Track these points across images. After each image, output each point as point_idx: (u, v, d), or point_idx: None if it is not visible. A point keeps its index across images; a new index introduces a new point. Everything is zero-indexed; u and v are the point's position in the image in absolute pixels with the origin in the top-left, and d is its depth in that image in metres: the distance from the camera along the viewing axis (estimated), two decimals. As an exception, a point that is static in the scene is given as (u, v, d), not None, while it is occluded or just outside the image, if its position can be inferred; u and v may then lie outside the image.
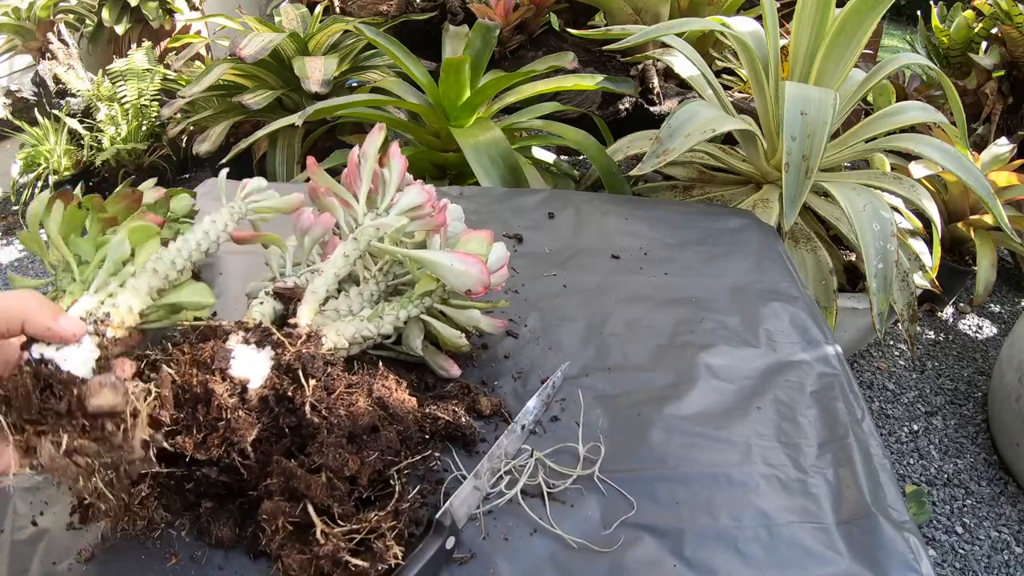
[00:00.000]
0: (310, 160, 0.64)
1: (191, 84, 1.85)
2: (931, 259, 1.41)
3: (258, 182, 0.63)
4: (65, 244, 0.52)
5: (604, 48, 1.51)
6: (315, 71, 1.72)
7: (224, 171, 0.64)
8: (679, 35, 1.31)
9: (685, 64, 1.36)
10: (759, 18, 1.30)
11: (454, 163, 1.51)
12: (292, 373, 0.48)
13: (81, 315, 0.45)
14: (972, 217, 1.83)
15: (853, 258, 1.50)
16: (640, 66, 1.88)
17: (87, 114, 2.39)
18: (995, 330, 1.94)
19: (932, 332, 1.92)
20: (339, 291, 0.60)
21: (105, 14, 2.59)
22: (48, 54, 2.62)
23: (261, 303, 0.56)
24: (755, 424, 0.60)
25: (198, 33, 2.73)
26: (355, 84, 1.99)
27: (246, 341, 0.49)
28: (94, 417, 0.39)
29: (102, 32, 2.71)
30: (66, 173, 2.30)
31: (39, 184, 2.26)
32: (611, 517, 0.51)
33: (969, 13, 2.32)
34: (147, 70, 2.32)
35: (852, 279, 1.49)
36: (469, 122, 1.45)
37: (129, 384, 0.41)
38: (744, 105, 1.66)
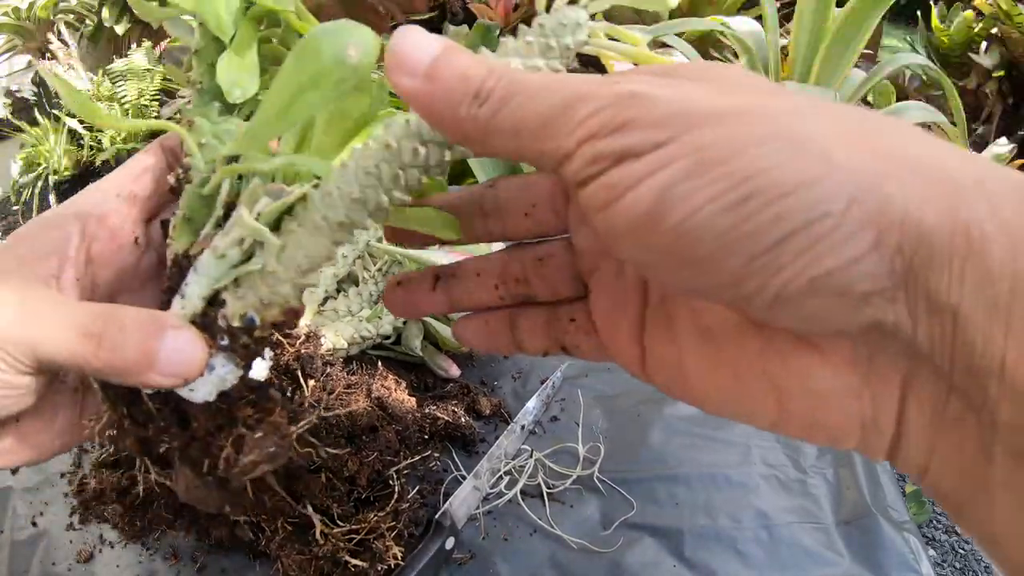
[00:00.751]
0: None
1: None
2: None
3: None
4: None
5: (604, 48, 1.50)
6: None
7: None
8: (679, 35, 1.31)
9: (685, 64, 1.36)
10: (759, 18, 1.30)
11: (454, 163, 1.51)
12: (291, 373, 0.48)
13: (199, 316, 0.27)
14: (972, 217, 1.82)
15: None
16: (640, 66, 1.88)
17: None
18: (995, 330, 1.94)
19: (932, 332, 1.92)
20: (338, 291, 0.60)
21: (105, 14, 2.59)
22: (48, 54, 2.62)
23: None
24: (755, 424, 0.60)
25: (198, 33, 2.73)
26: (355, 84, 1.99)
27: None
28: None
29: (102, 32, 2.71)
30: (66, 173, 2.30)
31: (39, 184, 2.26)
32: (611, 517, 0.51)
33: (969, 13, 2.32)
34: (147, 70, 2.32)
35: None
36: (469, 122, 1.45)
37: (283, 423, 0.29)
38: (744, 105, 1.66)
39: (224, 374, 0.27)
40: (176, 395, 0.27)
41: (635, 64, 0.26)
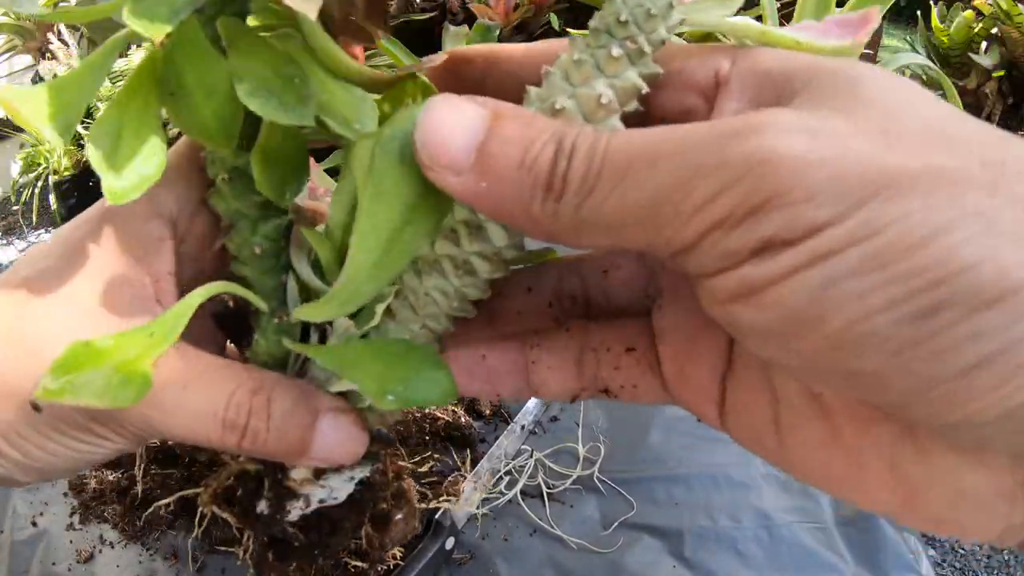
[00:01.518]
0: (310, 160, 0.64)
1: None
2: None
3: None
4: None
5: (604, 48, 1.50)
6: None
7: None
8: (679, 35, 1.30)
9: (685, 64, 1.36)
10: (759, 18, 1.30)
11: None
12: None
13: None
14: (972, 217, 1.83)
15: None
16: (640, 66, 1.88)
17: (87, 114, 2.40)
18: (995, 330, 1.94)
19: (932, 332, 1.92)
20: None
21: (105, 14, 2.59)
22: (48, 54, 2.62)
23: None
24: (755, 424, 0.60)
25: (198, 33, 2.73)
26: (355, 84, 1.99)
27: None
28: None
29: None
30: (66, 173, 2.30)
31: (39, 184, 2.26)
32: (610, 517, 0.51)
33: (969, 13, 2.32)
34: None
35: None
36: (469, 122, 1.45)
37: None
38: (744, 105, 1.66)
39: (360, 475, 0.26)
40: (318, 505, 0.26)
41: (746, 44, 0.20)
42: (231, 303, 0.26)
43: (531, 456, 0.55)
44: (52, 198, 2.27)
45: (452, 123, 0.17)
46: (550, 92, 0.19)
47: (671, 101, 0.21)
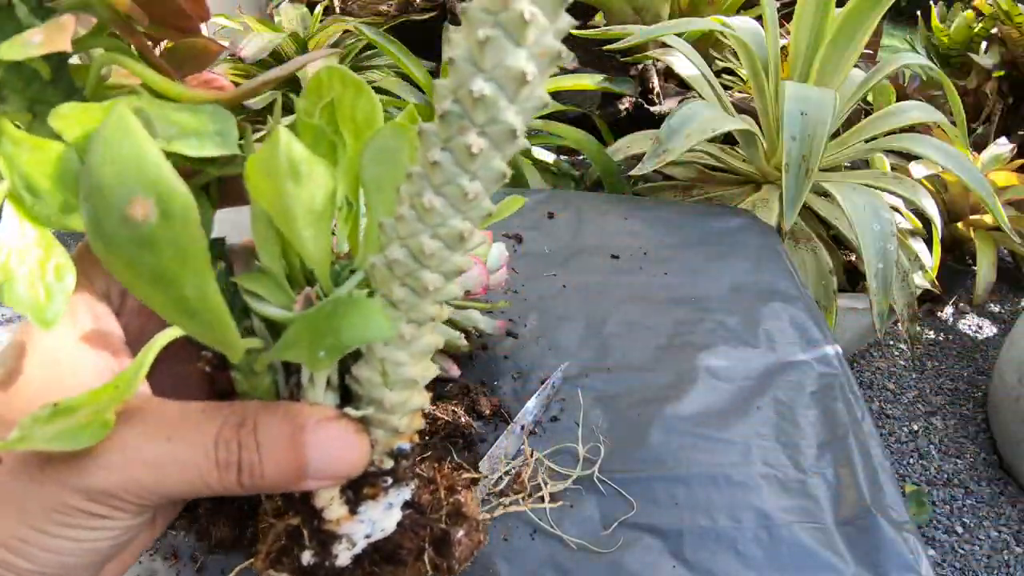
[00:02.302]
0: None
1: (191, 84, 1.85)
2: (931, 259, 1.41)
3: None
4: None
5: (604, 48, 1.50)
6: (315, 71, 1.72)
7: None
8: (679, 35, 1.31)
9: (685, 64, 1.36)
10: (759, 18, 1.30)
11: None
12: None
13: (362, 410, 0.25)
14: (972, 217, 1.83)
15: (853, 258, 1.50)
16: (640, 66, 1.88)
17: None
18: (995, 330, 1.94)
19: (932, 332, 1.92)
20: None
21: (105, 14, 2.58)
22: (48, 54, 2.61)
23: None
24: (755, 424, 0.60)
25: (198, 33, 2.73)
26: (355, 84, 1.99)
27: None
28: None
29: (102, 32, 2.70)
30: (66, 173, 2.30)
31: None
32: (610, 518, 0.51)
33: (969, 13, 2.32)
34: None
35: (852, 279, 1.49)
36: (469, 122, 1.45)
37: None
38: (744, 105, 1.66)
39: (399, 499, 0.25)
40: (366, 541, 0.24)
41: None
42: (206, 367, 0.25)
43: (531, 456, 0.55)
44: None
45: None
46: (470, 27, 0.18)
47: None
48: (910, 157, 1.68)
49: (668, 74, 1.96)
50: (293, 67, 0.22)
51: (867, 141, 1.29)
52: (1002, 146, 1.87)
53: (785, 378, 0.66)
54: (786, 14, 1.41)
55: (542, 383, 0.62)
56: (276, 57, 1.88)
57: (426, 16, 2.05)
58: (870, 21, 1.16)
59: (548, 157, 1.63)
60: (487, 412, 0.59)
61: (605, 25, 1.94)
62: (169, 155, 0.17)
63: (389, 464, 0.25)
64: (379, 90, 1.68)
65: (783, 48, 1.32)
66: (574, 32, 1.60)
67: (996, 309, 2.03)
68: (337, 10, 2.23)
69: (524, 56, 0.18)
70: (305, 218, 0.21)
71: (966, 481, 1.46)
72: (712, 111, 1.14)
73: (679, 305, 0.76)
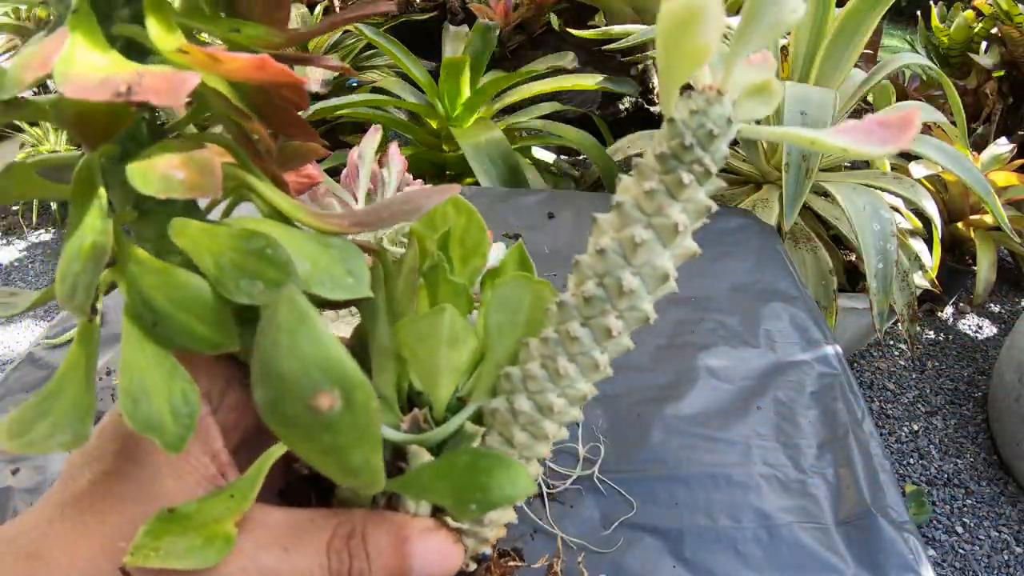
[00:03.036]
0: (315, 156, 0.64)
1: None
2: (931, 259, 1.41)
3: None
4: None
5: (604, 48, 1.51)
6: (315, 71, 1.73)
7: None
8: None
9: (685, 64, 1.36)
10: (759, 18, 1.30)
11: (454, 163, 1.51)
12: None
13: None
14: (972, 217, 1.83)
15: (853, 258, 1.50)
16: (640, 66, 1.88)
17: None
18: (995, 330, 1.94)
19: (932, 332, 1.92)
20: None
21: (105, 14, 2.58)
22: (48, 54, 2.61)
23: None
24: (755, 424, 0.60)
25: (198, 33, 2.73)
26: (355, 84, 1.99)
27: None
28: None
29: (102, 32, 2.70)
30: (66, 173, 2.30)
31: (39, 184, 2.26)
32: (611, 518, 0.51)
33: (969, 13, 2.32)
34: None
35: (852, 279, 1.49)
36: (469, 122, 1.45)
37: None
38: (744, 105, 1.66)
39: None
40: None
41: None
42: (304, 471, 0.26)
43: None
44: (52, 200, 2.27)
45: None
46: (624, 222, 0.21)
47: None
48: (910, 157, 1.68)
49: (668, 74, 1.96)
50: (420, 205, 0.22)
51: (867, 141, 1.29)
52: (1002, 146, 1.87)
53: (785, 378, 0.66)
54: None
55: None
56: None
57: (426, 16, 2.05)
58: (870, 21, 1.16)
59: (548, 157, 1.63)
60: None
61: (605, 25, 1.94)
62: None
63: (472, 567, 0.26)
64: (379, 90, 1.68)
65: (783, 48, 1.32)
66: (574, 32, 1.60)
67: (996, 309, 2.03)
68: (337, 10, 2.23)
69: (668, 257, 0.21)
70: (450, 375, 0.24)
71: (966, 481, 1.46)
72: (712, 111, 1.14)
73: (679, 305, 0.76)
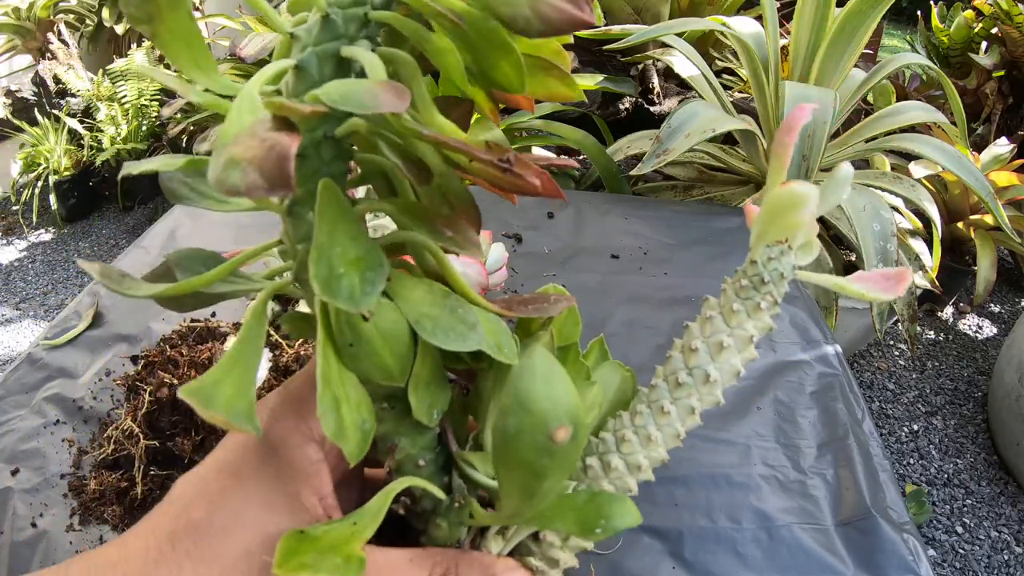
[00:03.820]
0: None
1: (191, 84, 1.85)
2: (931, 259, 1.41)
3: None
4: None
5: (604, 48, 1.51)
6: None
7: None
8: (679, 35, 1.31)
9: (685, 64, 1.36)
10: (759, 18, 1.30)
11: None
12: (290, 374, 0.48)
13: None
14: (972, 217, 1.83)
15: (853, 258, 1.50)
16: (640, 66, 1.88)
17: (87, 114, 2.40)
18: (995, 330, 1.94)
19: (932, 332, 1.92)
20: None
21: (105, 14, 2.59)
22: (48, 54, 2.62)
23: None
24: (754, 425, 0.60)
25: (198, 33, 2.73)
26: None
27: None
28: None
29: (102, 32, 2.71)
30: (66, 173, 2.30)
31: (39, 184, 2.26)
32: (610, 518, 0.51)
33: (969, 13, 2.31)
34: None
35: (852, 279, 1.49)
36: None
37: None
38: (744, 105, 1.66)
39: None
40: None
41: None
42: (401, 510, 0.29)
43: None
44: (52, 198, 2.27)
45: None
46: (713, 330, 0.28)
47: None
48: (910, 157, 1.68)
49: (668, 74, 1.96)
50: (551, 310, 0.28)
51: (867, 141, 1.29)
52: (1002, 146, 1.87)
53: (785, 378, 0.66)
54: (786, 14, 1.41)
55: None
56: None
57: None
58: (870, 21, 1.16)
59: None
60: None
61: (605, 25, 1.94)
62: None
63: None
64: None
65: (783, 48, 1.32)
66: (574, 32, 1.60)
67: (996, 309, 2.03)
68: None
69: (740, 359, 0.28)
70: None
71: (966, 481, 1.46)
72: (712, 111, 1.14)
73: (679, 305, 0.76)
